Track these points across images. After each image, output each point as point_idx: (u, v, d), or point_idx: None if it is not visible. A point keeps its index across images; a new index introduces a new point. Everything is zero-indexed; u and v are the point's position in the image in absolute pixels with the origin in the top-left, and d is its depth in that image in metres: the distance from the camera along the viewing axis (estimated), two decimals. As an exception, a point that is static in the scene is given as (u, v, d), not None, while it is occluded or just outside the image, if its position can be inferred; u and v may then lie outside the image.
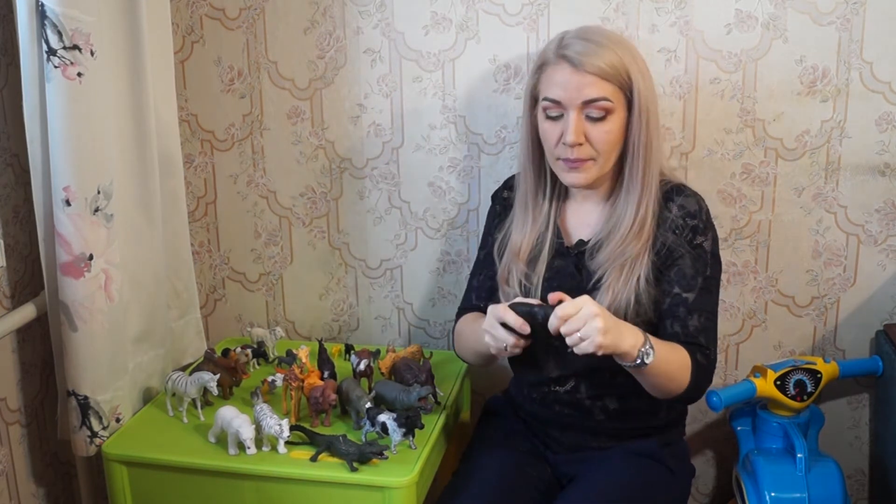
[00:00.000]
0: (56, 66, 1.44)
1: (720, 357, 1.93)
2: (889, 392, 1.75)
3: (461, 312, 1.72)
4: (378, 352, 1.88)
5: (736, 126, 1.80)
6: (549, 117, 1.51)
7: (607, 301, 1.49)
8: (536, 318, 1.38)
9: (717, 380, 1.94)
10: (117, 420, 1.64)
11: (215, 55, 1.95)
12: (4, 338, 1.61)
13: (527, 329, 1.39)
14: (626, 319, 1.47)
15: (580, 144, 1.48)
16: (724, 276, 1.87)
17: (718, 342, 1.91)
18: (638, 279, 1.50)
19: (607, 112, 1.46)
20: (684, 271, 1.51)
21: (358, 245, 2.02)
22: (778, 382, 1.72)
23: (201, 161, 2.03)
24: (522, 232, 1.60)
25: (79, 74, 1.46)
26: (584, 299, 1.35)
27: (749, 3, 1.73)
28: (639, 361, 1.38)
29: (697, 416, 1.99)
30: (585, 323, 1.32)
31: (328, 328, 2.09)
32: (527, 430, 1.68)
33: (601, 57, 1.45)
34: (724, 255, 1.86)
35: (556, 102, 1.48)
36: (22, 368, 1.68)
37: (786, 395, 1.72)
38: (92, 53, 1.48)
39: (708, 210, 1.56)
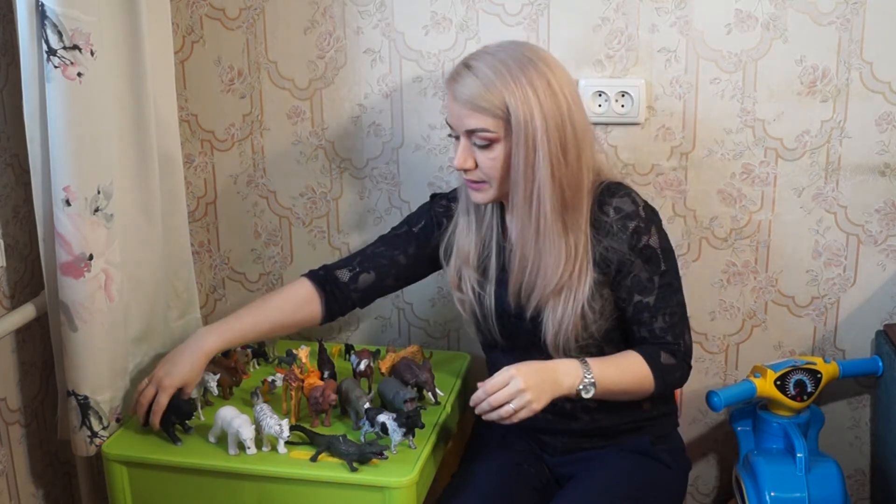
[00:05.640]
0: (56, 66, 1.44)
1: (720, 357, 1.93)
2: (889, 392, 1.75)
3: (314, 271, 1.69)
4: (378, 352, 1.88)
5: (736, 126, 1.80)
6: (451, 136, 1.53)
7: (551, 333, 1.51)
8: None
9: (717, 380, 1.95)
10: (117, 420, 1.64)
11: (215, 55, 1.95)
12: (4, 338, 1.61)
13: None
14: (575, 342, 1.51)
15: (468, 169, 1.49)
16: (724, 276, 1.88)
17: (718, 341, 1.92)
18: (582, 307, 1.49)
19: (491, 141, 1.45)
20: (639, 276, 1.50)
21: (358, 245, 2.01)
22: (778, 382, 1.72)
23: (201, 161, 2.03)
24: (468, 238, 1.60)
25: (79, 74, 1.46)
26: (510, 373, 1.41)
27: (749, 3, 1.73)
28: (582, 395, 1.45)
29: (697, 417, 1.99)
30: (514, 397, 1.39)
31: (328, 328, 2.09)
32: (522, 434, 1.68)
33: (474, 91, 1.43)
34: (724, 254, 1.87)
35: (451, 126, 1.51)
36: (22, 368, 1.68)
37: (786, 395, 1.72)
38: (92, 53, 1.48)
39: (646, 204, 1.52)
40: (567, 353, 1.51)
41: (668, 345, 1.52)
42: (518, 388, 1.39)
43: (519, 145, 1.42)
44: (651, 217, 1.52)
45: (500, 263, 1.59)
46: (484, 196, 1.52)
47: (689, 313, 1.76)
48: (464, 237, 1.61)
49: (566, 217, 1.47)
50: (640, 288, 1.51)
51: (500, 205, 1.60)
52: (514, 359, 1.49)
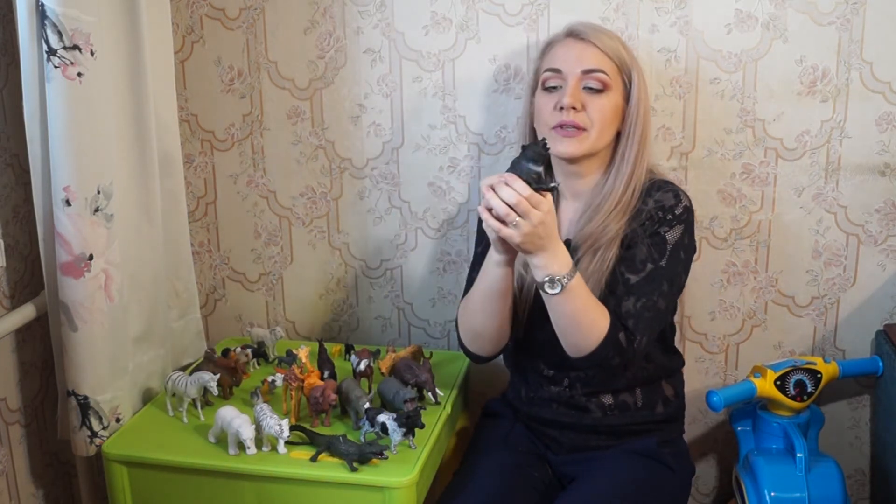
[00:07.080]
0: (56, 66, 1.44)
1: (720, 357, 1.93)
2: (889, 392, 1.75)
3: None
4: (378, 352, 1.88)
5: (736, 126, 1.80)
6: (546, 89, 1.55)
7: None
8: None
9: (717, 380, 1.95)
10: (117, 420, 1.64)
11: (215, 55, 1.95)
12: (4, 338, 1.61)
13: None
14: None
15: (575, 109, 1.50)
16: (724, 276, 1.88)
17: (718, 341, 1.92)
18: (607, 274, 1.49)
19: (605, 87, 1.51)
20: (636, 255, 1.50)
21: (358, 245, 2.02)
22: (778, 382, 1.72)
23: (201, 161, 2.03)
24: None
25: (79, 74, 1.46)
26: (538, 215, 1.33)
27: (749, 3, 1.73)
28: (543, 285, 1.40)
29: (697, 417, 1.99)
30: (527, 215, 1.32)
31: (328, 328, 2.09)
32: (527, 431, 1.68)
33: (606, 35, 1.55)
34: (724, 254, 1.87)
35: (557, 71, 1.53)
36: (22, 368, 1.68)
37: (786, 395, 1.72)
38: (92, 53, 1.48)
39: (687, 207, 1.53)
40: None
41: (627, 330, 1.46)
42: (529, 226, 1.33)
43: (639, 106, 1.54)
44: (683, 218, 1.52)
45: None
46: (579, 146, 1.52)
47: (688, 313, 1.77)
48: None
49: (629, 182, 1.54)
50: (630, 264, 1.50)
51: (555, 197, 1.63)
52: (527, 356, 1.58)
